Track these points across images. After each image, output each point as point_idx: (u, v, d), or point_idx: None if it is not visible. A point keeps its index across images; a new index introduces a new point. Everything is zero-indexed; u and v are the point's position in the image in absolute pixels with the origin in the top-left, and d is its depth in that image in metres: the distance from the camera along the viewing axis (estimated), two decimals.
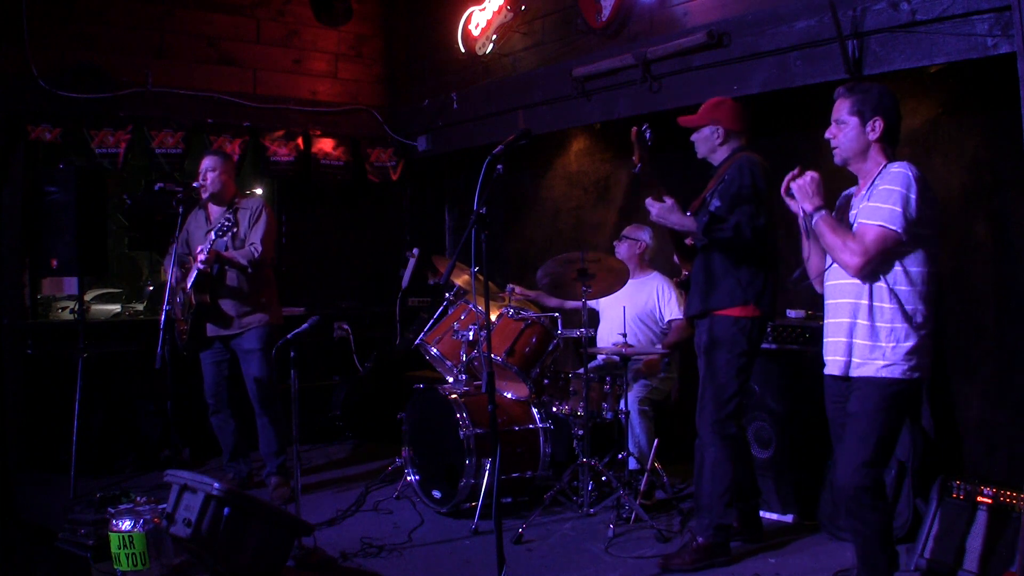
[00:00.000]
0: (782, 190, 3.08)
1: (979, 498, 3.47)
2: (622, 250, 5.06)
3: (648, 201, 3.66)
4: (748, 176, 3.63)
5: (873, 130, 2.95)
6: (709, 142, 3.85)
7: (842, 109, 3.01)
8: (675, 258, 4.01)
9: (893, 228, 2.83)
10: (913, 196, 2.82)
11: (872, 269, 2.90)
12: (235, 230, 4.67)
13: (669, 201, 3.65)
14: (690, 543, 3.71)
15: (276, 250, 5.03)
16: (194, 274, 4.62)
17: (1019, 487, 3.42)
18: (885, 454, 2.96)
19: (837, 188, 3.20)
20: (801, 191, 3.00)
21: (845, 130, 2.99)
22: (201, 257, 4.53)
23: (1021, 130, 3.23)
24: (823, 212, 2.97)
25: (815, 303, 3.19)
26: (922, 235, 2.87)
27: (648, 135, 3.68)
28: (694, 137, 3.89)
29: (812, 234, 3.05)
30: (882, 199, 2.86)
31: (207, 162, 4.86)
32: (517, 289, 5.23)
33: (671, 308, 4.94)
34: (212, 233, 4.56)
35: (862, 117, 2.96)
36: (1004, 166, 3.99)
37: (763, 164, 3.70)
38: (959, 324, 4.17)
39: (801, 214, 3.04)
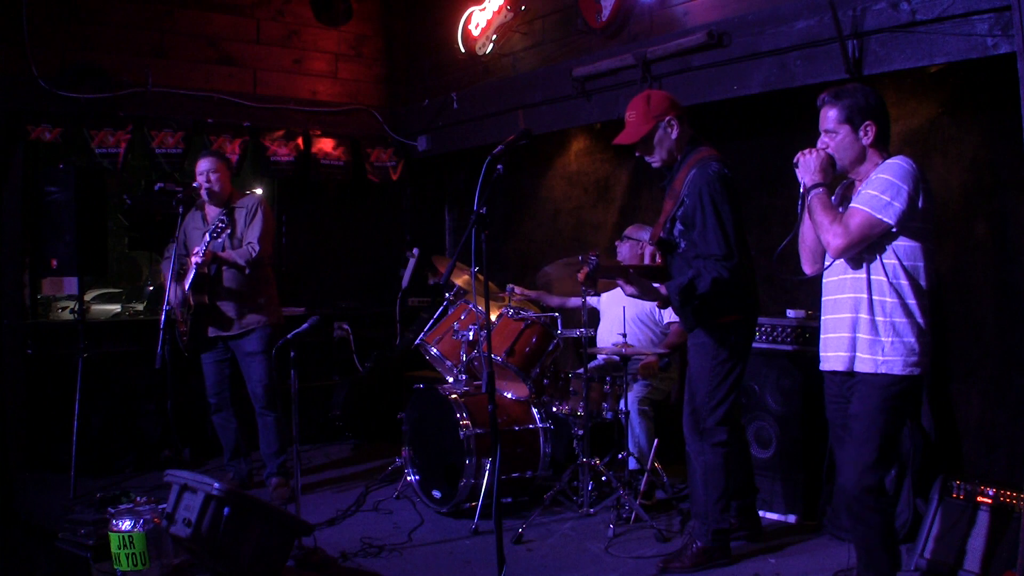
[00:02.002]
0: (793, 161, 3.04)
1: (979, 498, 3.47)
2: (624, 250, 5.04)
3: (620, 283, 3.62)
4: (708, 199, 3.46)
5: (866, 135, 2.93)
6: (665, 141, 3.65)
7: (830, 118, 2.96)
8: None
9: (879, 216, 2.81)
10: (907, 187, 2.81)
11: (856, 255, 2.90)
12: (230, 231, 4.68)
13: (635, 287, 3.60)
14: (690, 545, 3.70)
15: (275, 249, 5.02)
16: (192, 275, 4.63)
17: (1019, 487, 3.42)
18: (889, 455, 2.95)
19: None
20: (804, 165, 2.98)
21: (837, 139, 2.96)
22: (197, 259, 4.54)
23: (1021, 130, 3.23)
24: (820, 190, 2.95)
25: (815, 303, 3.18)
26: (918, 228, 2.86)
27: (593, 265, 3.54)
28: (642, 151, 3.69)
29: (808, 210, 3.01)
30: (874, 187, 2.86)
31: (206, 163, 4.82)
32: (517, 289, 5.22)
33: (670, 311, 4.92)
34: (207, 235, 4.57)
35: (853, 124, 2.93)
36: (1004, 166, 3.99)
37: (721, 173, 3.51)
38: (959, 324, 4.16)
39: (801, 189, 3.02)
